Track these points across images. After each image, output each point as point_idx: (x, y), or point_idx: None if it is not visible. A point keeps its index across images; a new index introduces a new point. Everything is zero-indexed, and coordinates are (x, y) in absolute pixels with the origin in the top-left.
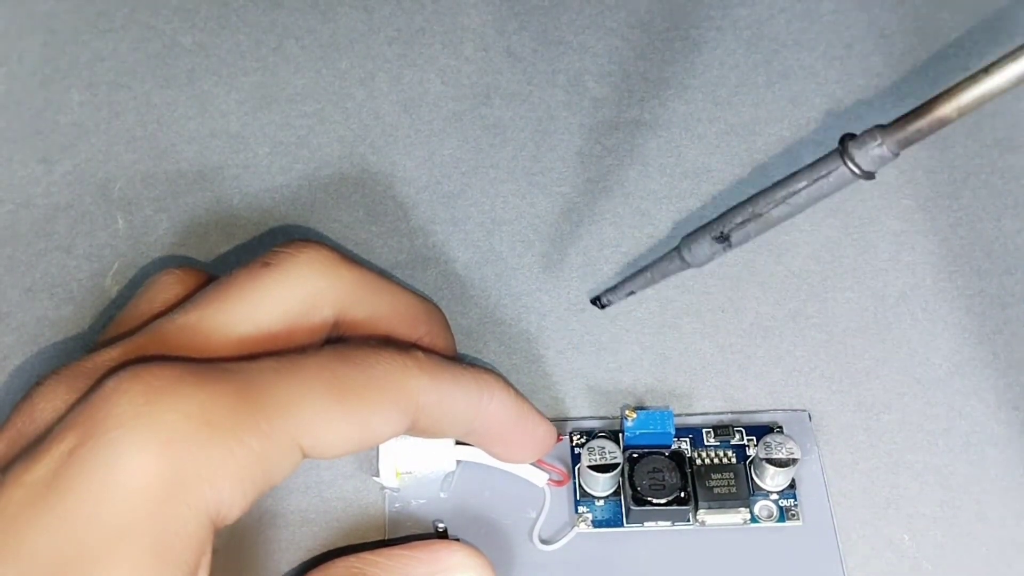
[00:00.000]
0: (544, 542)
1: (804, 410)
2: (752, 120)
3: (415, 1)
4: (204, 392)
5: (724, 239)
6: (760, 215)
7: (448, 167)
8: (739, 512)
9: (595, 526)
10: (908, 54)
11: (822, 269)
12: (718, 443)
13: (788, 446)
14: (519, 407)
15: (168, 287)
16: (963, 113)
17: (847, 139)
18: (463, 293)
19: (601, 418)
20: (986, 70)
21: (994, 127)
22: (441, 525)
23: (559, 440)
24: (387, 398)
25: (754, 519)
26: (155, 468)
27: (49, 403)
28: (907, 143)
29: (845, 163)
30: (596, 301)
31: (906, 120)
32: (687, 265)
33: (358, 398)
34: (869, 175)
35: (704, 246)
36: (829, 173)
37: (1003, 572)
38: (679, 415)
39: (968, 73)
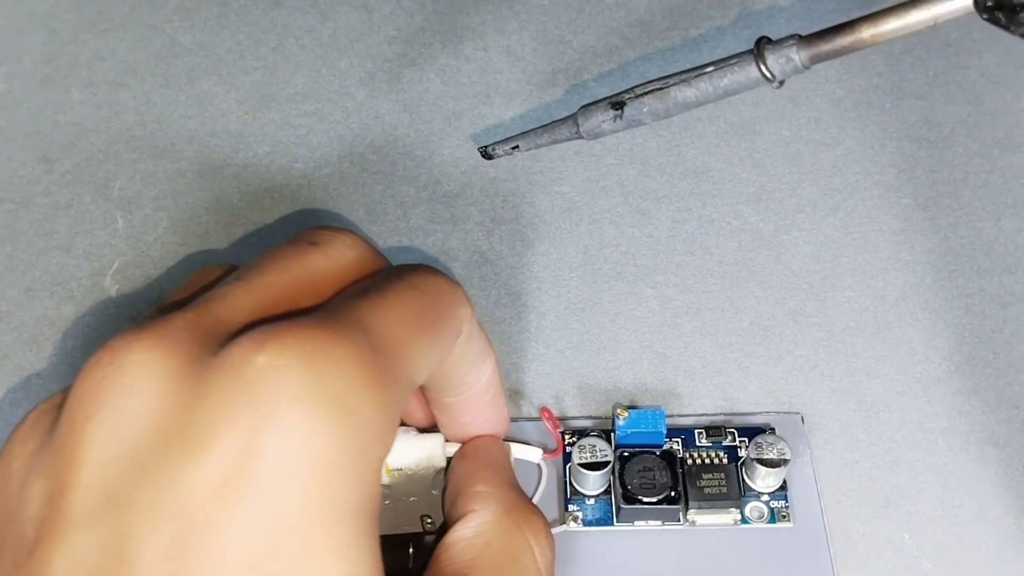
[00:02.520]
0: None
1: (797, 412)
2: (752, 119)
3: (415, 0)
4: (348, 349)
5: (618, 107)
6: (660, 89)
7: (448, 166)
8: (730, 512)
9: (585, 524)
10: (907, 53)
11: (822, 268)
12: (710, 444)
13: (779, 447)
14: (500, 382)
15: (219, 273)
16: (877, 40)
17: (763, 41)
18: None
19: (593, 417)
20: (913, 3)
21: (994, 127)
22: (429, 520)
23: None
24: (452, 324)
25: (744, 520)
26: (341, 442)
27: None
28: (820, 58)
29: (756, 62)
30: (483, 150)
31: (824, 35)
32: (579, 134)
33: (436, 325)
34: (774, 79)
35: (597, 113)
36: (737, 64)
37: (1003, 570)
38: (671, 415)
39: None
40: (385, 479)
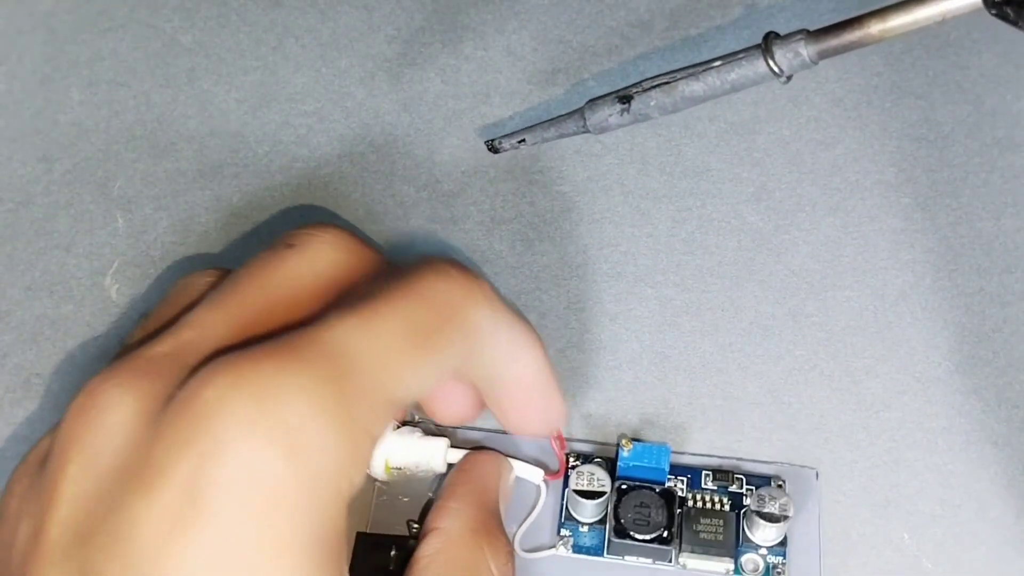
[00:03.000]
0: (525, 551)
1: (813, 468)
2: (752, 119)
3: (415, 0)
4: (302, 380)
5: (625, 101)
6: (667, 84)
7: (448, 166)
8: (723, 561)
9: (575, 551)
10: (907, 52)
11: (822, 268)
12: (715, 487)
13: (782, 501)
14: (547, 371)
15: (202, 283)
16: (885, 35)
17: (771, 35)
18: None
19: (597, 443)
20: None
21: (994, 126)
22: (415, 525)
23: (558, 437)
24: (458, 330)
25: (738, 571)
26: (291, 475)
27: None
28: (828, 53)
29: (764, 57)
30: (489, 144)
31: (832, 30)
32: (585, 128)
33: (437, 335)
34: (782, 74)
35: (604, 107)
36: (745, 59)
37: (1003, 570)
38: (679, 452)
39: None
40: (384, 476)
